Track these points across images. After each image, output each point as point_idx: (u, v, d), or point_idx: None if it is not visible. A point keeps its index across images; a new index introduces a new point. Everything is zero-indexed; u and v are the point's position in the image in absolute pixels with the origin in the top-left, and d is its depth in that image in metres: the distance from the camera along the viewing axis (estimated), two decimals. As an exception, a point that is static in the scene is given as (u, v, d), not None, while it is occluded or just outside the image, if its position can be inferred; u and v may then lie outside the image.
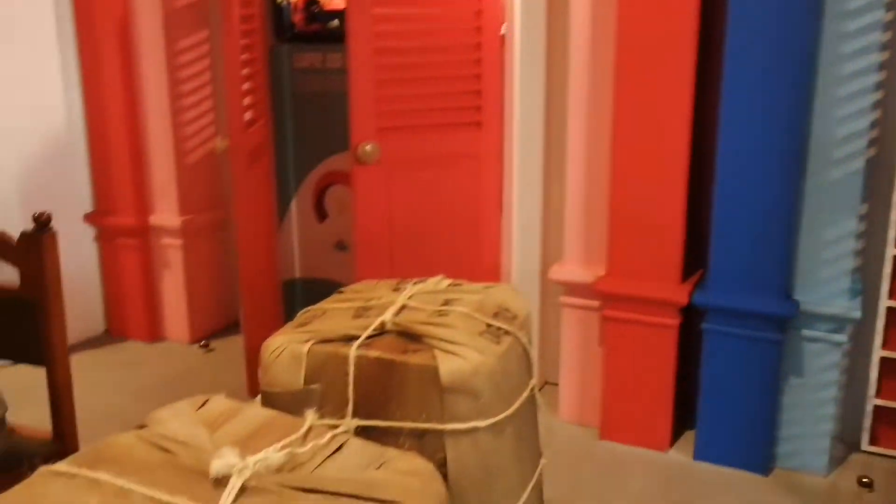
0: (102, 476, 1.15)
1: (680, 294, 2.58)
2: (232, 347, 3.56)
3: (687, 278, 2.65)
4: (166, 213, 3.53)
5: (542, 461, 1.89)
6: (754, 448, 2.58)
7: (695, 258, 2.69)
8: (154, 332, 3.66)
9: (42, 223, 1.70)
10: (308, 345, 1.63)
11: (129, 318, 3.65)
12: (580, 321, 2.84)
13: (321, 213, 3.50)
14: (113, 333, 3.71)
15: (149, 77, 3.40)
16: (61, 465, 1.19)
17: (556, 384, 2.99)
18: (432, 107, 2.71)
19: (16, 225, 1.81)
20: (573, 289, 2.82)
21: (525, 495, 1.71)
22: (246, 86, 2.97)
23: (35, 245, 1.69)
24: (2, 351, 1.76)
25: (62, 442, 1.77)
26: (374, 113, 2.62)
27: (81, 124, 3.51)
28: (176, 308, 3.63)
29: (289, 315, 3.56)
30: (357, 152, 2.63)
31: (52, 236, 1.71)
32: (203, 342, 3.59)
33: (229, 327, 3.77)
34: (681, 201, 2.56)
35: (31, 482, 1.16)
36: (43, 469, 1.18)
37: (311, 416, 1.35)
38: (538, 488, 1.87)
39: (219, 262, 3.74)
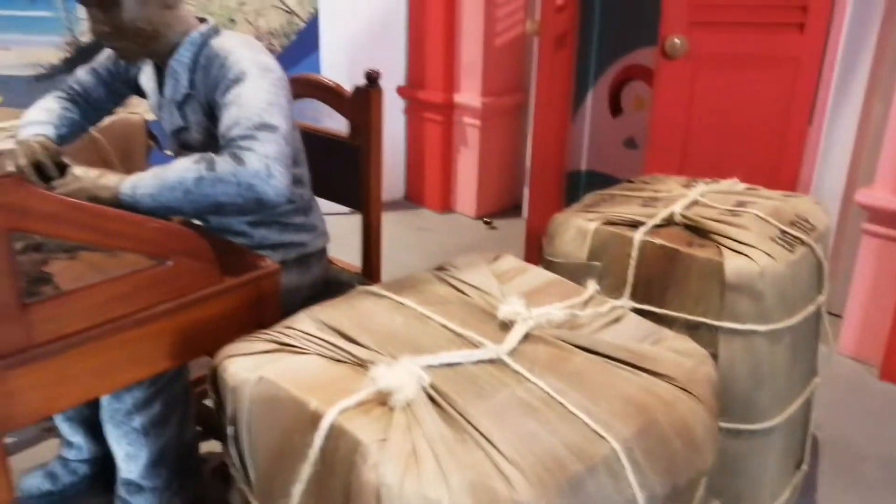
0: (406, 301, 1.31)
1: None
2: (512, 227, 3.73)
3: None
4: (470, 93, 3.71)
5: (816, 381, 1.83)
6: None
7: None
8: (445, 204, 3.93)
9: (373, 79, 1.88)
10: (595, 224, 1.69)
11: (426, 187, 3.94)
12: (880, 251, 2.62)
13: (616, 108, 3.48)
14: (410, 199, 4.05)
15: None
16: (373, 287, 1.37)
17: (838, 316, 2.81)
18: (751, 2, 2.55)
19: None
20: (879, 216, 2.59)
21: (792, 409, 1.68)
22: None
23: (365, 98, 1.89)
24: (327, 192, 2.01)
25: (369, 276, 2.01)
26: (688, 5, 2.52)
27: (405, 4, 3.74)
28: (467, 184, 3.85)
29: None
30: (665, 45, 2.57)
31: (380, 92, 1.90)
32: (487, 219, 3.80)
33: (512, 209, 3.95)
34: None
35: (349, 296, 1.35)
36: (359, 287, 1.37)
37: (592, 286, 1.42)
38: (807, 407, 1.82)
39: (511, 146, 3.89)
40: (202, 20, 1.68)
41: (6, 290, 1.09)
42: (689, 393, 1.18)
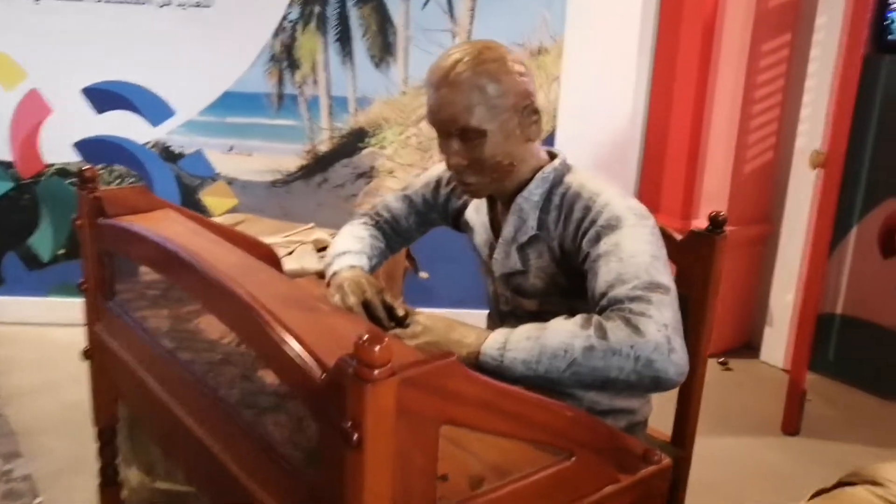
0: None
1: None
2: (749, 369, 3.38)
3: None
4: (711, 221, 3.42)
5: None
6: None
7: None
8: (674, 338, 3.61)
9: (718, 223, 1.63)
10: None
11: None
12: None
13: (888, 248, 3.11)
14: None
15: (724, 80, 3.29)
16: None
17: None
18: None
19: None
20: None
21: None
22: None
23: (705, 244, 1.63)
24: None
25: (681, 446, 1.72)
26: None
27: (642, 121, 3.54)
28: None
29: (818, 350, 3.25)
30: None
31: (724, 238, 1.64)
32: (722, 359, 3.44)
33: (744, 347, 3.58)
34: None
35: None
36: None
37: None
38: None
39: (750, 280, 3.55)
40: (551, 155, 1.49)
41: (429, 491, 0.87)
42: None
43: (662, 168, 3.52)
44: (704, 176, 3.43)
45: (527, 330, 1.22)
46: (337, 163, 3.41)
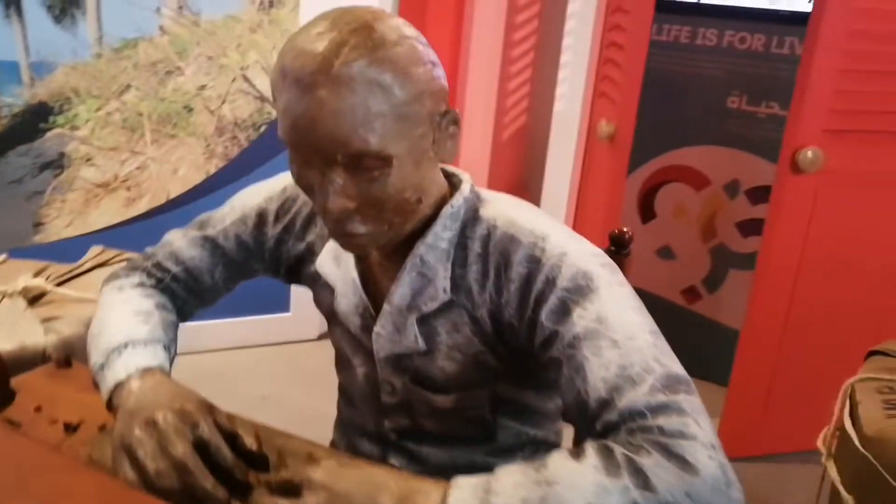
0: None
1: None
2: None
3: None
4: (473, 193, 3.13)
5: None
6: None
7: None
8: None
9: (623, 243, 1.30)
10: None
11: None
12: None
13: (647, 213, 3.06)
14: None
15: (481, 32, 2.96)
16: None
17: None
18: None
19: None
20: None
21: None
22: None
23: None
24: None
25: None
26: (826, 111, 2.13)
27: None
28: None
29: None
30: (797, 158, 2.16)
31: (630, 261, 1.32)
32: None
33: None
34: None
35: None
36: None
37: None
38: None
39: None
40: (448, 176, 1.02)
41: None
42: None
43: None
44: (463, 142, 3.12)
45: (515, 483, 0.76)
46: (10, 151, 2.55)
